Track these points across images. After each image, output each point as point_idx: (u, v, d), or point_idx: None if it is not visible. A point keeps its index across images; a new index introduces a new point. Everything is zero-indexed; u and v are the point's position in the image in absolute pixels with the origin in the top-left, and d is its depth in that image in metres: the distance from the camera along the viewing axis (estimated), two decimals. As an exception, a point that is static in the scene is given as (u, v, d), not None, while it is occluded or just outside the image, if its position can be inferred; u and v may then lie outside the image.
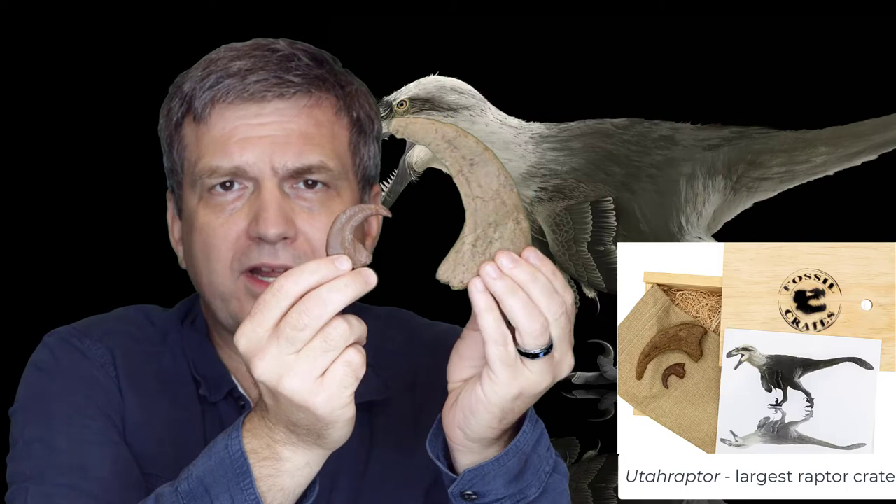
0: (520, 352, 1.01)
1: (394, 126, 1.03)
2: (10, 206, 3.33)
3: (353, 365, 0.99)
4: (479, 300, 1.00)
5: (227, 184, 1.19)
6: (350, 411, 1.00)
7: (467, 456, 1.07)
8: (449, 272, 1.03)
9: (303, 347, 0.98)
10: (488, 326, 1.00)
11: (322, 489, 1.13)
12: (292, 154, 1.18)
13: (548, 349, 1.01)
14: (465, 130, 1.02)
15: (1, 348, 2.72)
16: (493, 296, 1.00)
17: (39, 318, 1.72)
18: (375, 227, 1.28)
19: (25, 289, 3.28)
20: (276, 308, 0.98)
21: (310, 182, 1.19)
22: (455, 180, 1.03)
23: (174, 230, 1.29)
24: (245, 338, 0.99)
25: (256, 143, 1.18)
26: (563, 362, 1.03)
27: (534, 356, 1.01)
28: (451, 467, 1.09)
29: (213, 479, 1.03)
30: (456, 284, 1.02)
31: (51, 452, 1.19)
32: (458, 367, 1.06)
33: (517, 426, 1.07)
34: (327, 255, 1.01)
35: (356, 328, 1.00)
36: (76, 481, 1.17)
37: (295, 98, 1.19)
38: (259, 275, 1.18)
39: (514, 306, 1.00)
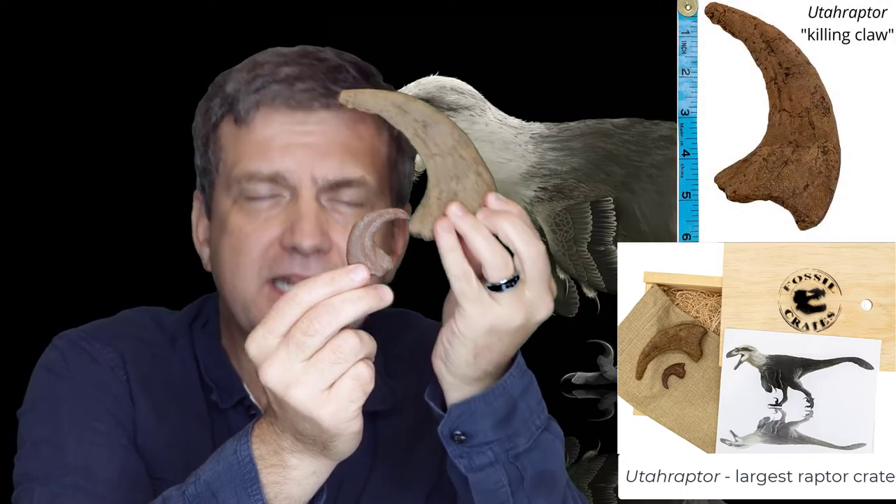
0: (488, 287, 1.03)
1: (343, 97, 1.06)
2: (17, 208, 3.33)
3: (361, 379, 1.00)
4: (444, 239, 1.03)
5: (265, 194, 1.18)
6: (356, 425, 1.01)
7: (455, 395, 1.08)
8: (419, 224, 1.07)
9: (312, 355, 0.99)
10: (451, 264, 1.04)
11: (326, 498, 1.13)
12: (333, 165, 1.18)
13: (511, 282, 1.03)
14: (413, 97, 1.07)
15: (9, 350, 2.72)
16: (457, 235, 1.03)
17: (46, 321, 1.72)
18: (401, 245, 1.28)
19: (32, 291, 3.28)
20: (289, 315, 0.99)
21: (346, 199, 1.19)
22: (412, 142, 1.07)
23: (199, 230, 1.28)
24: (255, 343, 1.00)
25: (298, 149, 1.18)
26: (539, 303, 1.05)
27: (499, 288, 1.04)
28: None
29: (220, 484, 1.03)
30: (427, 234, 1.06)
31: (58, 454, 1.19)
32: (448, 306, 1.08)
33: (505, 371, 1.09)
34: (347, 262, 1.02)
35: (367, 344, 1.01)
36: (82, 483, 1.17)
37: (341, 110, 1.18)
38: (285, 284, 1.18)
39: (477, 241, 1.03)
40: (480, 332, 1.04)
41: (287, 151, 1.18)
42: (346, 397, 1.00)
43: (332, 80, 1.19)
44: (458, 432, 1.08)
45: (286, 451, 1.03)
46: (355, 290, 1.00)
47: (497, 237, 1.04)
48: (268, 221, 1.18)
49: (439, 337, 1.07)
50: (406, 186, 1.27)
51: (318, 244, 1.16)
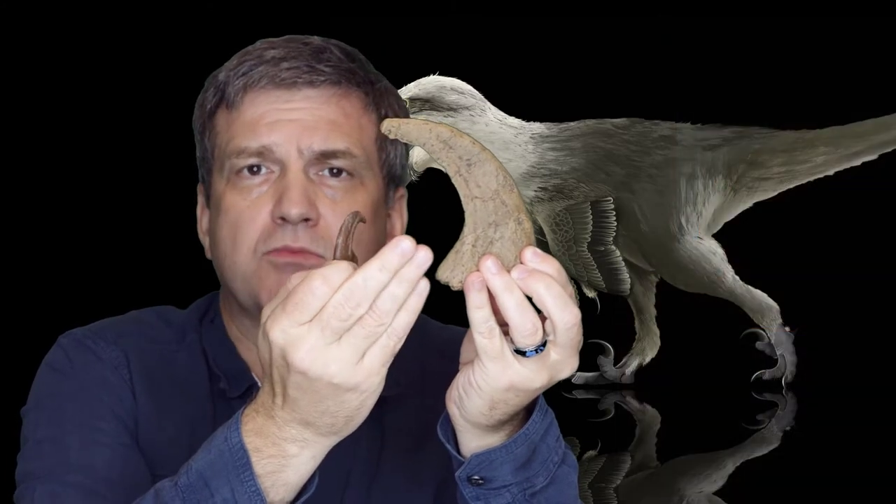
0: (513, 349, 1.01)
1: (385, 126, 1.01)
2: (25, 209, 3.33)
3: (392, 338, 0.99)
4: (473, 297, 0.99)
5: (255, 168, 1.20)
6: (380, 389, 1.00)
7: (468, 438, 1.07)
8: (448, 272, 1.02)
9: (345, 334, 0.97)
10: (478, 321, 0.99)
11: (335, 487, 1.12)
12: (319, 138, 1.20)
13: (539, 348, 1.01)
14: (460, 130, 1.01)
15: (14, 348, 2.73)
16: (488, 291, 1.00)
17: (53, 319, 1.72)
18: (399, 228, 1.28)
19: (39, 290, 3.28)
20: (318, 299, 0.96)
21: (335, 171, 1.20)
22: (453, 181, 1.01)
23: (202, 222, 1.29)
24: (281, 330, 0.97)
25: (285, 125, 1.20)
26: (564, 364, 1.02)
27: (524, 353, 1.01)
28: (459, 452, 1.09)
29: (212, 473, 1.03)
30: (455, 284, 1.01)
31: (60, 452, 1.19)
32: (466, 349, 1.06)
33: (527, 413, 1.07)
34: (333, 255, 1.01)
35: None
36: (84, 481, 1.17)
37: (324, 87, 1.21)
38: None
39: (508, 303, 0.99)
40: (499, 389, 1.01)
41: (274, 127, 1.20)
42: (379, 362, 0.98)
43: (316, 59, 1.22)
44: (477, 477, 1.07)
45: (287, 441, 1.02)
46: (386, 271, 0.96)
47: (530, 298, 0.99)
48: (259, 197, 1.20)
49: (455, 381, 1.04)
50: (399, 168, 1.27)
51: (304, 212, 1.17)
